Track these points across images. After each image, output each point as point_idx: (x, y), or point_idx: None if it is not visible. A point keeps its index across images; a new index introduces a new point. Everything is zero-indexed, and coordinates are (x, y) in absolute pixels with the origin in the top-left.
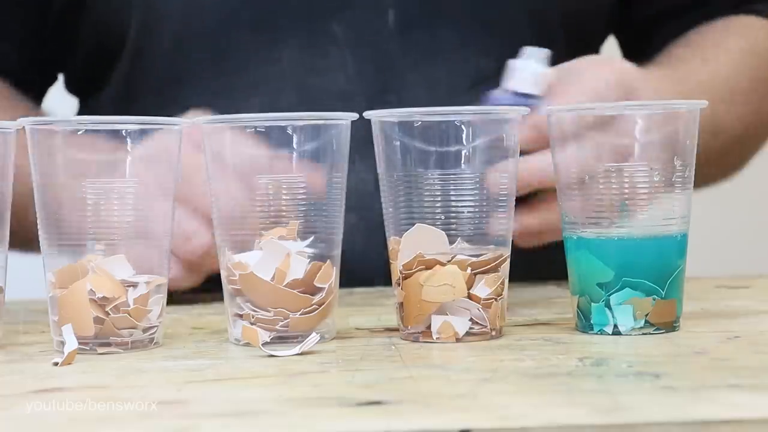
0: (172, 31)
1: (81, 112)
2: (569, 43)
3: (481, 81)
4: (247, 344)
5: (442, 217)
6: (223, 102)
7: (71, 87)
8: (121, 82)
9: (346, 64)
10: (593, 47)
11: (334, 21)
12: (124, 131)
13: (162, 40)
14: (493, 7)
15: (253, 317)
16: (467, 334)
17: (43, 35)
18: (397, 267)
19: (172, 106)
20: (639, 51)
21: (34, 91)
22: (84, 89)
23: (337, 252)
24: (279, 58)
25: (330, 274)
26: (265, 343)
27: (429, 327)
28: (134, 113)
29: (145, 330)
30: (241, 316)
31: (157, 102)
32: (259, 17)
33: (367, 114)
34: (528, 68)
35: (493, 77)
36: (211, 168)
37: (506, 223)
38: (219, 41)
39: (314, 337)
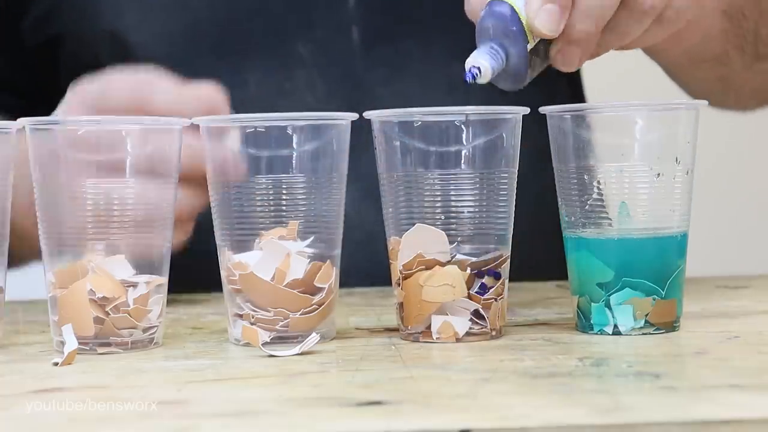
0: (142, 61)
1: None
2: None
3: (454, 88)
4: (247, 344)
5: (442, 217)
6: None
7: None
8: None
9: (315, 84)
10: None
11: (299, 42)
12: (124, 131)
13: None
14: (459, 13)
15: (253, 317)
16: (467, 334)
17: (20, 77)
18: (397, 267)
19: None
20: None
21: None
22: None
23: (337, 252)
24: (246, 82)
25: (330, 274)
26: (265, 343)
27: (429, 327)
28: None
29: (145, 330)
30: (241, 316)
31: None
32: (222, 42)
33: (367, 114)
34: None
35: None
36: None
37: (506, 223)
38: (186, 68)
39: (314, 337)
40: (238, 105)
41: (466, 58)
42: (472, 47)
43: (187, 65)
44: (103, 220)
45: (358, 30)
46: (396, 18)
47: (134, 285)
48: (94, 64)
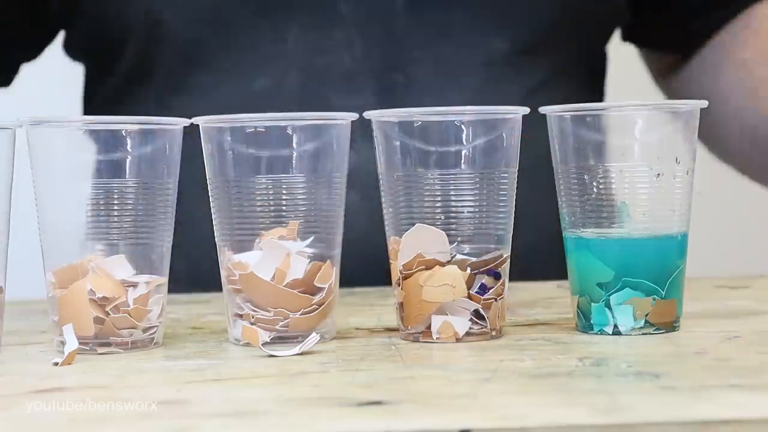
0: (180, 10)
1: (88, 84)
2: (581, 26)
3: (491, 62)
4: (247, 344)
5: (442, 217)
6: (230, 82)
7: (73, 51)
8: (133, 56)
9: (353, 43)
10: (606, 32)
11: (341, 0)
12: (124, 131)
13: (171, 19)
14: None
15: (253, 317)
16: (467, 334)
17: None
18: (397, 267)
19: (182, 85)
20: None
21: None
22: (90, 56)
23: (337, 252)
24: (285, 38)
25: (330, 274)
26: (265, 343)
27: (429, 327)
28: (145, 91)
29: (145, 330)
30: (241, 316)
31: (168, 80)
32: None
33: (367, 114)
34: None
35: (503, 59)
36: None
37: (506, 223)
38: (227, 20)
39: (314, 337)
40: (276, 60)
41: (510, 34)
42: (518, 22)
43: (227, 18)
44: (103, 220)
45: None
46: None
47: (134, 285)
48: (128, 14)
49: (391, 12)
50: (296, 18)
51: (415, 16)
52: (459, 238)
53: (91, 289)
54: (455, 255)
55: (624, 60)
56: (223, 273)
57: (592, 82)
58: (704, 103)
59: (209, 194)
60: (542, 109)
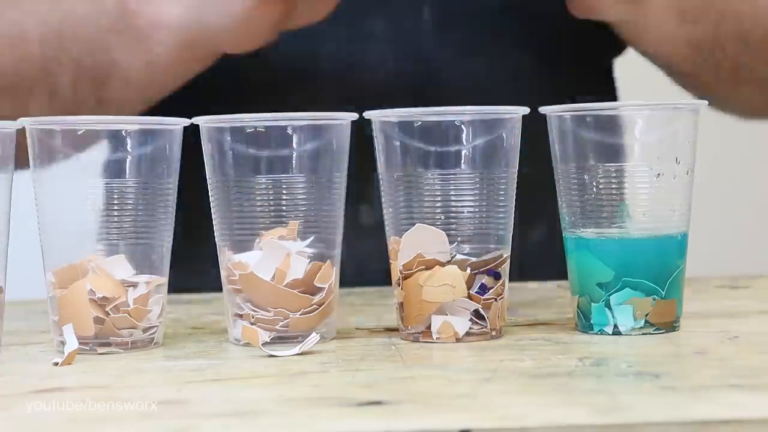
0: None
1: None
2: (600, 35)
3: (520, 75)
4: (247, 344)
5: (442, 217)
6: (263, 98)
7: None
8: None
9: (387, 60)
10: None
11: (373, 17)
12: (124, 131)
13: None
14: (531, 1)
15: (253, 317)
16: (467, 334)
17: None
18: (397, 267)
19: (215, 98)
20: None
21: None
22: None
23: (337, 252)
24: (318, 55)
25: (330, 274)
26: (265, 343)
27: (429, 327)
28: (175, 98)
29: (145, 330)
30: (241, 316)
31: (199, 94)
32: None
33: (367, 114)
34: None
35: (531, 71)
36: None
37: (506, 223)
38: None
39: (314, 337)
40: (310, 76)
41: (534, 46)
42: (540, 37)
43: None
44: (102, 220)
45: (429, 10)
46: (466, 2)
47: (134, 285)
48: None
49: (418, 30)
50: (329, 34)
51: (442, 34)
52: (459, 238)
53: (91, 289)
54: (455, 255)
55: (627, 61)
56: (223, 273)
57: (608, 87)
58: (704, 103)
59: (209, 194)
60: (542, 109)
